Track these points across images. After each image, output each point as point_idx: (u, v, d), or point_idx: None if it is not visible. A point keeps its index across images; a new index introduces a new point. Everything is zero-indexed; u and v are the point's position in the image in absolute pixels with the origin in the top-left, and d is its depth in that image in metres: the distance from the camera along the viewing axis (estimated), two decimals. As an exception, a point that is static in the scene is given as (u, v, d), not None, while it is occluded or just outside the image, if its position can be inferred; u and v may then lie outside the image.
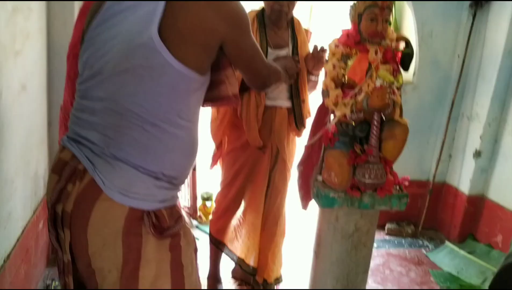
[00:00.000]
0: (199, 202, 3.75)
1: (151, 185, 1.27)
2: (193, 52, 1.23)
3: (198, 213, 3.72)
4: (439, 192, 3.90)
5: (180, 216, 1.37)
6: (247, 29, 1.35)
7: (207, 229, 2.84)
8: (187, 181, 3.73)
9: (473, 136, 3.57)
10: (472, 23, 3.49)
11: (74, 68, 1.75)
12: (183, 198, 3.80)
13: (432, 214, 3.91)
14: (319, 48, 2.22)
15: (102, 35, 1.29)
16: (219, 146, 2.51)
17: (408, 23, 3.63)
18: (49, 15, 2.66)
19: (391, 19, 3.51)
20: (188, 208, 3.73)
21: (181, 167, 1.35)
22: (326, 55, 2.28)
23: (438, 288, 3.11)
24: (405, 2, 3.53)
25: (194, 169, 3.48)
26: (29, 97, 2.36)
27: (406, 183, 2.32)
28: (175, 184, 1.36)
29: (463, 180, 3.68)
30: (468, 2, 3.46)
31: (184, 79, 1.24)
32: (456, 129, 3.75)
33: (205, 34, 1.24)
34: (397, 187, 2.29)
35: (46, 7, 2.63)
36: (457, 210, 3.73)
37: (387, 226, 3.85)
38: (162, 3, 1.20)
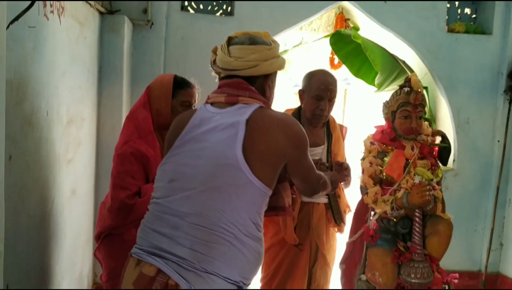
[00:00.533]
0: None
1: None
2: (268, 170, 1.38)
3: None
4: (493, 283, 3.67)
5: None
6: (306, 148, 1.49)
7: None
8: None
9: (524, 223, 3.41)
10: (509, 109, 3.48)
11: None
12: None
13: (488, 308, 3.66)
14: (344, 164, 2.23)
15: (185, 153, 1.41)
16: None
17: (443, 112, 3.66)
18: (99, 122, 2.86)
19: (426, 108, 3.58)
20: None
21: (253, 274, 1.44)
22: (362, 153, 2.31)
23: None
24: (438, 91, 3.59)
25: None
26: (78, 200, 2.48)
27: (456, 281, 2.22)
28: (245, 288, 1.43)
29: (518, 270, 3.47)
30: (502, 89, 3.49)
31: (262, 195, 1.38)
32: (504, 215, 3.61)
33: (277, 155, 1.40)
34: (446, 287, 2.19)
35: (96, 114, 2.83)
36: (515, 303, 3.48)
37: (440, 322, 3.60)
38: (243, 128, 1.35)
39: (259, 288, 2.53)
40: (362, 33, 3.75)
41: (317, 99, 2.23)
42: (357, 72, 3.50)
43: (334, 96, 2.27)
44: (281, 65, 1.53)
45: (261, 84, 1.50)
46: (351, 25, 3.74)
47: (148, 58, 3.17)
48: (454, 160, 3.59)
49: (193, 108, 1.56)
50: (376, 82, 3.29)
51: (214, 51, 1.54)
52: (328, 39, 3.57)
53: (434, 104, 3.73)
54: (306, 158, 1.51)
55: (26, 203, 1.75)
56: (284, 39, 3.79)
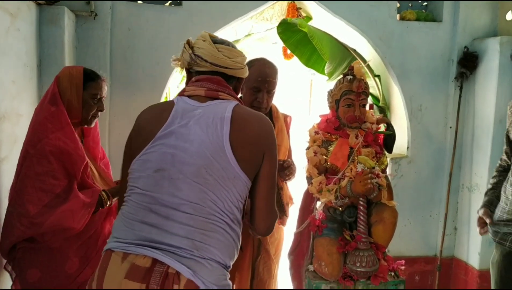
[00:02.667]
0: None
1: (226, 277, 1.42)
2: (250, 164, 1.44)
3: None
4: (449, 267, 3.73)
5: None
6: (275, 149, 1.55)
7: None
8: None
9: (476, 207, 3.46)
10: (460, 95, 3.53)
11: None
12: None
13: (444, 291, 3.73)
14: (284, 164, 2.20)
15: (171, 143, 1.43)
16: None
17: (396, 100, 3.68)
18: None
19: (379, 95, 3.59)
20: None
21: (235, 259, 1.49)
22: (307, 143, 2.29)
23: None
24: (391, 79, 3.60)
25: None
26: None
27: (402, 268, 2.23)
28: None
29: (472, 254, 3.53)
30: (453, 75, 3.53)
31: (246, 187, 1.46)
32: (458, 200, 3.67)
33: (257, 150, 1.47)
34: (393, 273, 2.20)
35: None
36: (469, 286, 3.54)
37: (398, 307, 3.65)
38: (228, 123, 1.43)
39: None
40: (315, 22, 3.73)
41: (255, 91, 2.19)
42: (307, 61, 3.47)
43: (273, 88, 2.22)
44: (247, 74, 1.67)
45: (236, 86, 1.62)
46: (304, 14, 3.71)
47: (93, 50, 3.06)
48: (408, 147, 3.63)
49: (170, 100, 1.56)
50: (325, 71, 3.27)
51: (189, 44, 1.57)
52: (281, 28, 3.52)
53: (387, 92, 3.75)
54: (275, 167, 1.55)
55: None
56: (235, 29, 3.73)
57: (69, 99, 1.88)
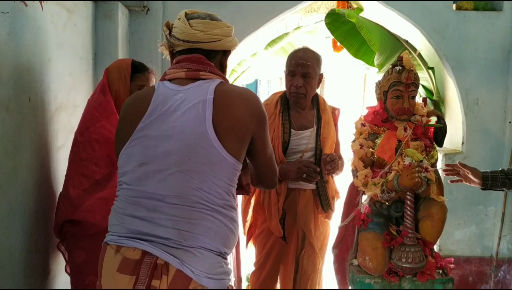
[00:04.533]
0: (244, 284, 3.65)
1: (222, 264, 1.38)
2: (237, 145, 1.39)
3: (244, 295, 3.61)
4: (505, 270, 3.54)
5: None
6: (267, 124, 1.50)
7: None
8: (232, 262, 3.68)
9: (536, 206, 3.28)
10: (521, 88, 3.33)
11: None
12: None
13: (500, 294, 3.55)
14: (327, 158, 2.18)
15: (153, 134, 1.38)
16: (250, 226, 2.49)
17: (451, 93, 3.53)
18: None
19: (433, 88, 3.46)
20: (234, 290, 3.64)
21: (234, 243, 1.46)
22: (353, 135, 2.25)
23: None
24: (445, 71, 3.46)
25: (238, 252, 3.44)
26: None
27: (452, 266, 2.15)
28: (227, 260, 1.44)
29: (531, 255, 3.34)
30: (513, 67, 3.34)
31: (234, 169, 1.40)
32: (516, 200, 3.48)
33: (243, 129, 1.40)
34: (440, 271, 2.12)
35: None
36: (527, 290, 3.36)
37: (449, 308, 3.51)
38: (210, 105, 1.36)
39: (252, 270, 2.54)
40: (366, 13, 3.64)
41: (291, 76, 2.19)
42: (356, 53, 3.40)
43: (308, 72, 2.19)
44: (236, 44, 1.57)
45: (220, 60, 1.52)
46: (354, 6, 3.63)
47: (146, 44, 3.17)
48: (463, 143, 3.47)
49: (151, 87, 1.51)
50: (375, 62, 3.19)
51: (168, 26, 1.51)
52: (330, 21, 3.46)
53: (441, 85, 3.60)
54: (268, 137, 1.52)
55: (6, 188, 1.76)
56: (285, 22, 3.71)
57: (117, 90, 1.95)
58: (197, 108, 1.36)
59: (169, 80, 1.45)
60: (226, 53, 1.55)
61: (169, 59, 1.55)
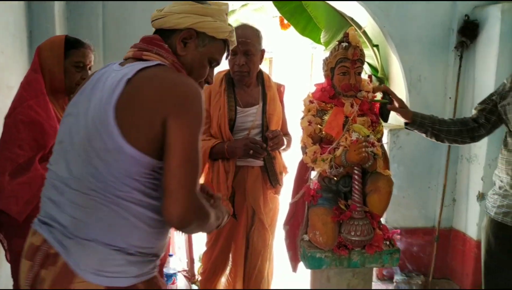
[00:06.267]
0: (197, 265, 3.64)
1: (124, 262, 1.24)
2: (141, 133, 1.20)
3: (197, 276, 3.60)
4: (447, 238, 3.73)
5: (159, 287, 1.34)
6: (193, 122, 1.23)
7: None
8: (184, 244, 3.65)
9: (475, 178, 3.45)
10: (460, 65, 3.46)
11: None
12: (182, 261, 3.70)
13: (442, 262, 3.73)
14: (270, 134, 2.20)
15: (74, 113, 1.31)
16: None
17: (395, 70, 3.62)
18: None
19: (378, 65, 3.53)
20: (186, 271, 3.62)
21: (152, 242, 1.31)
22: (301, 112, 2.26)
23: None
24: (389, 49, 3.54)
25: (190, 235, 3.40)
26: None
27: (398, 237, 2.22)
28: (150, 257, 1.31)
29: (470, 224, 3.52)
30: (453, 45, 3.46)
31: (139, 163, 1.21)
32: (457, 172, 3.64)
33: (148, 115, 1.20)
34: (388, 242, 2.19)
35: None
36: (467, 256, 3.55)
37: (395, 278, 3.67)
38: (122, 86, 1.21)
39: (204, 251, 2.52)
40: (312, -9, 3.64)
41: (232, 55, 2.17)
42: (303, 30, 3.40)
43: (249, 50, 2.19)
44: (215, 29, 1.39)
45: (173, 42, 1.37)
46: (302, -17, 3.61)
47: (86, 22, 3.01)
48: (406, 119, 3.58)
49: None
50: (322, 40, 3.21)
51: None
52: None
53: (386, 62, 3.69)
54: (194, 136, 1.23)
55: None
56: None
57: (50, 69, 1.85)
58: (111, 89, 1.22)
59: (125, 59, 1.38)
60: (185, 34, 1.37)
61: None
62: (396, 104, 2.24)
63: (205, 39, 1.40)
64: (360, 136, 2.03)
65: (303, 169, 2.27)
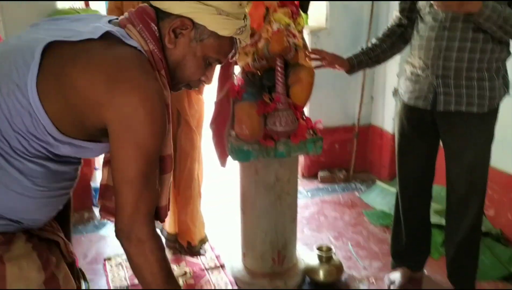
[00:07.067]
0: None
1: None
2: (58, 105, 1.00)
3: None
4: (366, 134, 3.98)
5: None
6: (131, 94, 0.99)
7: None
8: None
9: (390, 75, 3.63)
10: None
11: None
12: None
13: (362, 157, 4.00)
14: None
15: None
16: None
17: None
18: None
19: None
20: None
21: (23, 212, 1.09)
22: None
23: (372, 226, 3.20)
24: None
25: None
26: None
27: (320, 126, 2.32)
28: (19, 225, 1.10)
29: (387, 119, 3.76)
30: None
31: (43, 128, 1.00)
32: (374, 71, 3.79)
33: (86, 98, 0.99)
34: (311, 132, 2.28)
35: None
36: (384, 150, 3.83)
37: (320, 174, 3.89)
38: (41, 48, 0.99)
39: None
40: None
41: None
42: None
43: None
44: (218, 24, 1.08)
45: (166, 26, 1.09)
46: None
47: None
48: (326, 19, 3.61)
49: None
50: None
51: None
52: None
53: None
54: (135, 118, 1.00)
55: None
56: None
57: None
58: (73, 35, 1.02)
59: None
60: (175, 22, 1.08)
61: None
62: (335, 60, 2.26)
63: (203, 33, 1.10)
64: (281, 26, 2.02)
65: (226, 66, 2.24)
